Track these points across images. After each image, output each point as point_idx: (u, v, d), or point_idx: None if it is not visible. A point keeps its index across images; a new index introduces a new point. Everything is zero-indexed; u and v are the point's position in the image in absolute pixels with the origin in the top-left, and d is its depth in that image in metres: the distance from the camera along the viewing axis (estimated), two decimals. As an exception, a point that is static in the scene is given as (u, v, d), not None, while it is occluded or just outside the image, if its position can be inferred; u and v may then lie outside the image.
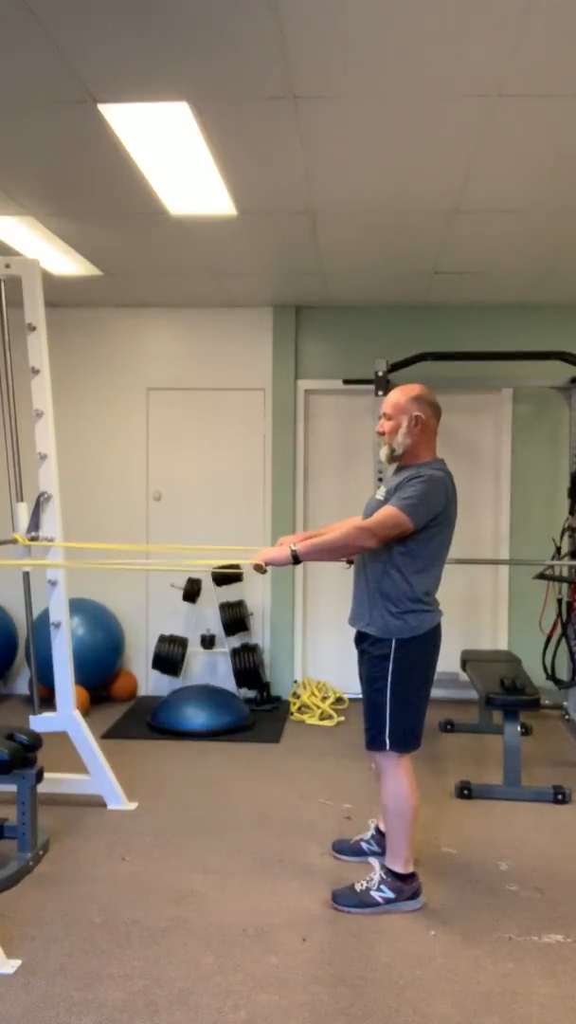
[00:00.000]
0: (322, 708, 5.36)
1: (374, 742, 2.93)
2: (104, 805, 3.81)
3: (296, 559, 2.87)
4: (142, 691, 5.91)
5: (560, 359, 4.94)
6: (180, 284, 5.24)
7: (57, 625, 3.76)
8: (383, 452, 3.00)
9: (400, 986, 2.48)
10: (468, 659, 4.86)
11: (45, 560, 3.81)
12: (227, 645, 5.72)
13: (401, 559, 2.86)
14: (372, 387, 5.03)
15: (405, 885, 2.93)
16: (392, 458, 2.99)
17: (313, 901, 2.98)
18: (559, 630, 5.11)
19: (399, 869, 2.93)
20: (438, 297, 5.44)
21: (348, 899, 2.93)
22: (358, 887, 2.96)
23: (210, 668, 5.85)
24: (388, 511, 2.81)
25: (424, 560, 2.87)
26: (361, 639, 3.02)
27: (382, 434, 2.98)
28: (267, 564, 2.92)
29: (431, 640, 2.93)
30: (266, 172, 3.40)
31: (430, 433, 2.98)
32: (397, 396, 2.97)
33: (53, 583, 3.74)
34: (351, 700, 5.59)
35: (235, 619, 5.61)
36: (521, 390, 5.64)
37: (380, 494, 3.00)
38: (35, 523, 3.66)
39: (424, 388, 3.00)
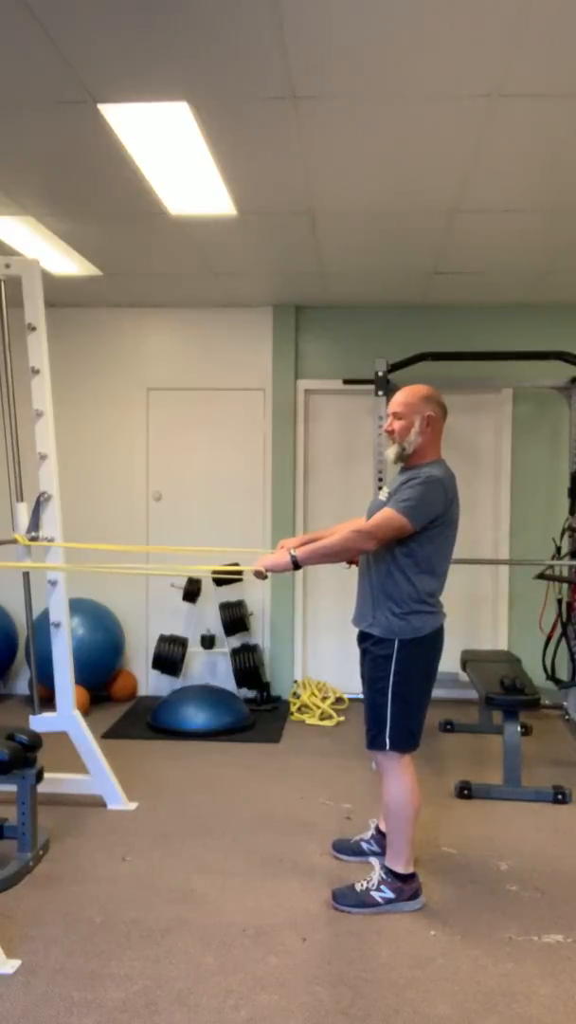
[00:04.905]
0: (322, 708, 5.36)
1: (375, 742, 2.93)
2: (104, 805, 3.81)
3: (296, 565, 2.86)
4: (142, 691, 5.91)
5: (560, 359, 4.93)
6: (180, 284, 5.24)
7: (57, 625, 3.76)
8: (391, 451, 2.97)
9: (400, 986, 2.48)
10: (468, 659, 4.86)
11: (45, 559, 3.81)
12: (227, 645, 5.72)
13: (404, 560, 2.86)
14: (372, 387, 5.02)
15: (405, 885, 2.93)
16: (400, 457, 2.97)
17: (313, 901, 2.98)
18: (559, 630, 5.11)
19: (400, 869, 2.93)
20: (438, 297, 5.44)
21: (348, 899, 2.93)
22: (358, 887, 2.96)
23: (210, 668, 5.85)
24: (387, 513, 2.81)
25: (427, 561, 2.87)
26: (363, 639, 3.02)
27: (391, 432, 2.96)
28: (267, 570, 2.90)
29: (434, 642, 2.93)
30: (266, 172, 3.40)
31: (437, 433, 2.98)
32: (408, 395, 2.95)
33: (53, 583, 3.74)
34: (351, 700, 5.59)
35: (235, 619, 5.61)
36: (521, 390, 5.64)
37: (383, 495, 3.00)
38: (35, 523, 3.66)
39: (433, 388, 3.00)
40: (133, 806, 3.82)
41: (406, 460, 2.97)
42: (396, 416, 2.94)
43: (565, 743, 4.86)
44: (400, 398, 2.97)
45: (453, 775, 4.19)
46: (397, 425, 2.94)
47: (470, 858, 3.34)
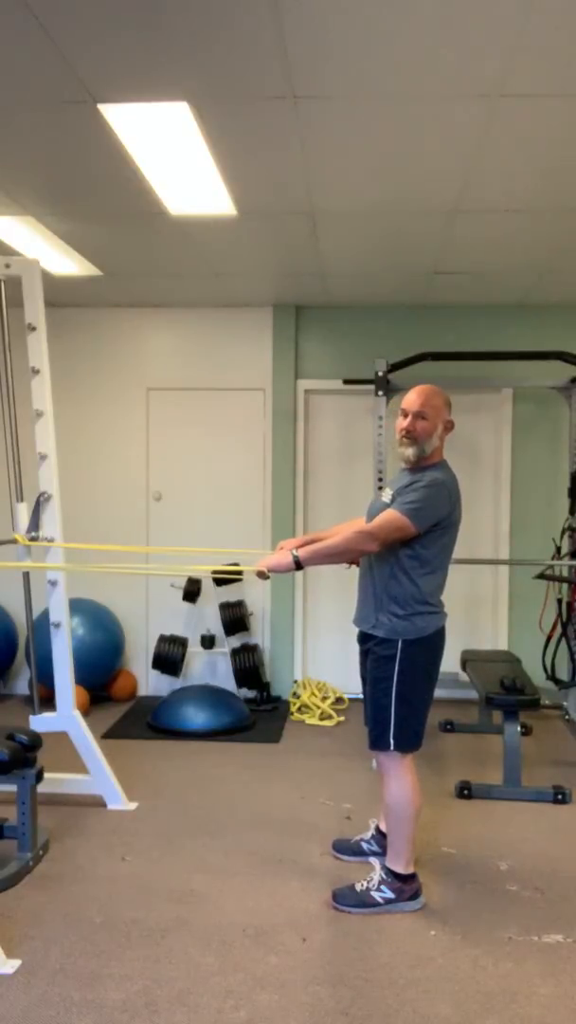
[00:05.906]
0: (322, 708, 5.36)
1: (378, 742, 2.93)
2: (104, 805, 3.81)
3: (298, 565, 2.86)
4: (142, 691, 5.91)
5: (560, 359, 4.93)
6: (180, 284, 5.24)
7: (57, 625, 3.76)
8: (411, 452, 2.92)
9: (400, 986, 2.48)
10: (468, 659, 4.86)
11: (45, 559, 3.81)
12: (227, 645, 5.72)
13: (409, 562, 2.86)
14: (372, 387, 5.02)
15: (405, 886, 2.93)
16: (418, 458, 2.93)
17: (313, 901, 2.98)
18: (559, 630, 5.11)
19: (400, 869, 2.93)
20: (438, 297, 5.44)
21: (348, 899, 2.93)
22: (358, 887, 2.96)
23: (210, 668, 5.85)
24: (391, 515, 2.81)
25: (431, 563, 2.87)
26: (366, 639, 3.02)
27: (411, 432, 2.91)
28: (270, 571, 2.89)
29: (436, 642, 2.93)
30: (266, 172, 3.40)
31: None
32: (431, 397, 2.92)
33: (53, 583, 3.74)
34: (351, 700, 5.59)
35: (235, 619, 5.61)
36: (521, 390, 5.64)
37: (386, 496, 2.98)
38: (35, 523, 3.66)
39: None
40: (133, 806, 3.82)
41: (419, 462, 2.96)
42: (421, 417, 2.90)
43: (565, 743, 4.86)
44: (422, 399, 2.91)
45: (453, 775, 4.19)
46: (420, 426, 2.90)
47: (470, 858, 3.34)
